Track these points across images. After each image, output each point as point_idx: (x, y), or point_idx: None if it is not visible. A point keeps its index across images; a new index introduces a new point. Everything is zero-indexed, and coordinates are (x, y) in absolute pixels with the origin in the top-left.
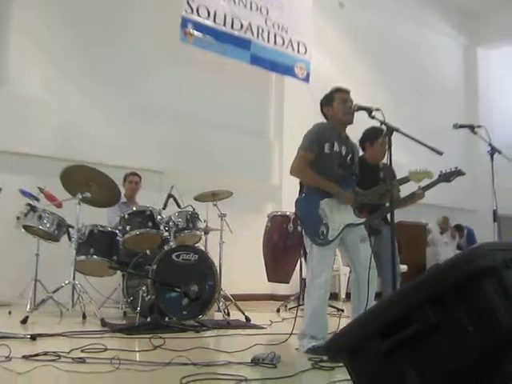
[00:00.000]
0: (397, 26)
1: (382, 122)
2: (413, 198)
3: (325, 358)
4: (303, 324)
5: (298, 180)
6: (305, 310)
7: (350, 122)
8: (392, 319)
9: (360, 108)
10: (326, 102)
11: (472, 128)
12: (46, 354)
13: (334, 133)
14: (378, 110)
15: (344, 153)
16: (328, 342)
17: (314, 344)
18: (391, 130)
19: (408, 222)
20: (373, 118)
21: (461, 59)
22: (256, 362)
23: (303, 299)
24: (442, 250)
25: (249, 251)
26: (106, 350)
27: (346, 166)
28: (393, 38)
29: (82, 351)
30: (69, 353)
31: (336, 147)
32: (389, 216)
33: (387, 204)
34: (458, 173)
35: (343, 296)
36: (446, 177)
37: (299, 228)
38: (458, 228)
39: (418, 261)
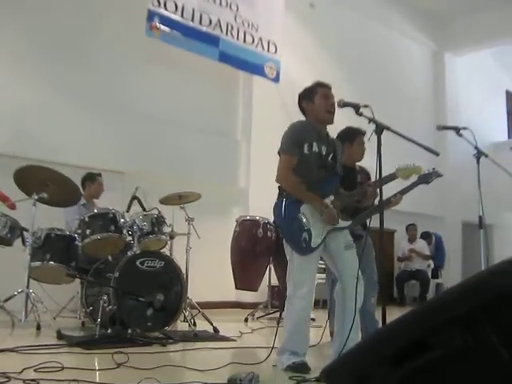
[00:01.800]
0: (367, 28)
1: (370, 120)
2: (390, 203)
3: (307, 376)
4: (283, 338)
5: (270, 183)
6: (284, 323)
7: (330, 122)
8: (407, 342)
9: (346, 104)
10: (306, 96)
11: (457, 130)
12: None
13: (312, 131)
14: (366, 106)
15: (324, 152)
16: (327, 370)
17: (294, 361)
18: (381, 127)
19: (375, 228)
20: (360, 115)
21: (429, 64)
22: (233, 383)
23: (271, 308)
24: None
25: (214, 257)
26: (62, 368)
27: (328, 166)
28: (363, 41)
29: (35, 371)
30: (20, 373)
31: (315, 147)
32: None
33: (369, 207)
34: (436, 174)
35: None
36: (425, 178)
37: (269, 234)
38: (426, 235)
39: (386, 268)
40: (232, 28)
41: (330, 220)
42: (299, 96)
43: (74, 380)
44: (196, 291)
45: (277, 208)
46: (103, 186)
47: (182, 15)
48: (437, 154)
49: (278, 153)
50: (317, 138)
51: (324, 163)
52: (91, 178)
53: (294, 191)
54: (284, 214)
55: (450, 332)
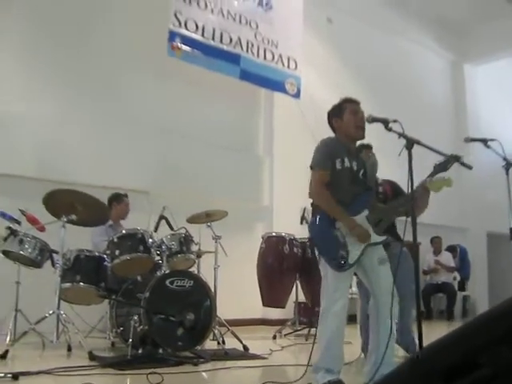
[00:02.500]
0: (385, 41)
1: (400, 135)
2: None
3: None
4: (317, 356)
5: (293, 198)
6: (318, 341)
7: (360, 138)
8: (458, 360)
9: (375, 119)
10: (335, 113)
11: (485, 142)
12: None
13: (342, 147)
14: (395, 121)
15: (356, 168)
16: None
17: (329, 379)
18: (412, 142)
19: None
20: (390, 130)
21: (448, 75)
22: None
23: (299, 324)
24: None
25: (239, 274)
26: None
27: (360, 181)
28: (381, 54)
29: None
30: None
31: (347, 163)
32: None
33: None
34: (454, 159)
35: None
36: (442, 166)
37: (296, 250)
38: (452, 248)
39: None
40: (252, 46)
41: (362, 239)
42: (328, 114)
43: None
44: (223, 309)
45: (312, 225)
46: (129, 206)
47: (202, 35)
48: (470, 167)
49: (311, 167)
50: (347, 154)
51: (356, 178)
52: (117, 199)
53: (327, 207)
54: (320, 231)
55: (500, 350)
